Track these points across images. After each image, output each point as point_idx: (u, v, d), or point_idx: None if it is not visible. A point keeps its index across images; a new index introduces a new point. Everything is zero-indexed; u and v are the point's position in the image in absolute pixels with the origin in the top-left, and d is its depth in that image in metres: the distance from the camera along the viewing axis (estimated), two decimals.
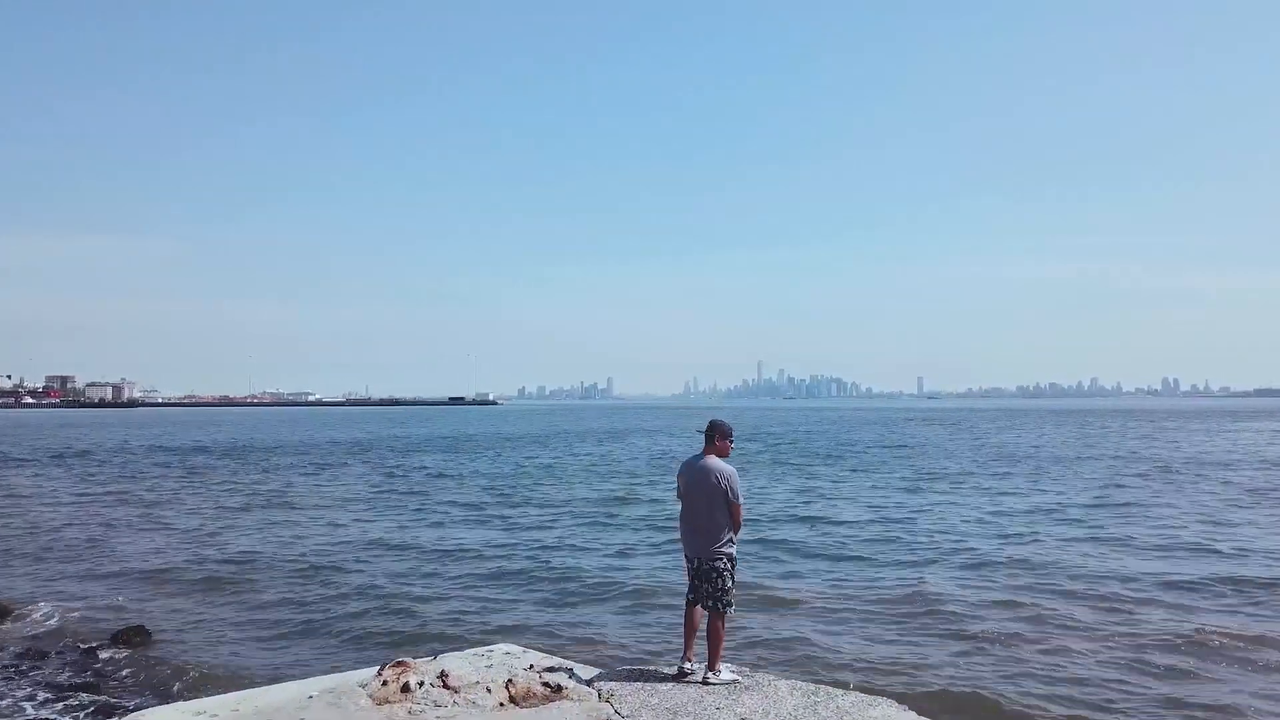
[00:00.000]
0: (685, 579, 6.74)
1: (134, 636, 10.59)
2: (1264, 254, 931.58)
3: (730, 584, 6.58)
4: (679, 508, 6.85)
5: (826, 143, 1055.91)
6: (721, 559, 6.55)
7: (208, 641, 10.56)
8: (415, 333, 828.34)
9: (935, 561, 14.62)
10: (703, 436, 6.82)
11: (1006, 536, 17.13)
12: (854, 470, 33.37)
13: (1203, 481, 27.54)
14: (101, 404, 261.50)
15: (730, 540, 6.60)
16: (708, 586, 6.53)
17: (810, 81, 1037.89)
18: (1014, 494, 24.56)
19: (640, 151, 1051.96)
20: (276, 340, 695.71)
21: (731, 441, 6.79)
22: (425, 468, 35.38)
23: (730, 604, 6.61)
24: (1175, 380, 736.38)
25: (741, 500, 6.58)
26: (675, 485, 7.03)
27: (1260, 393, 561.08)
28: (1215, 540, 16.46)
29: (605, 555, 15.70)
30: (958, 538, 16.95)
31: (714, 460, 6.63)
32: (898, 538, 17.07)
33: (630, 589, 12.81)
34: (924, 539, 16.84)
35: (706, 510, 6.57)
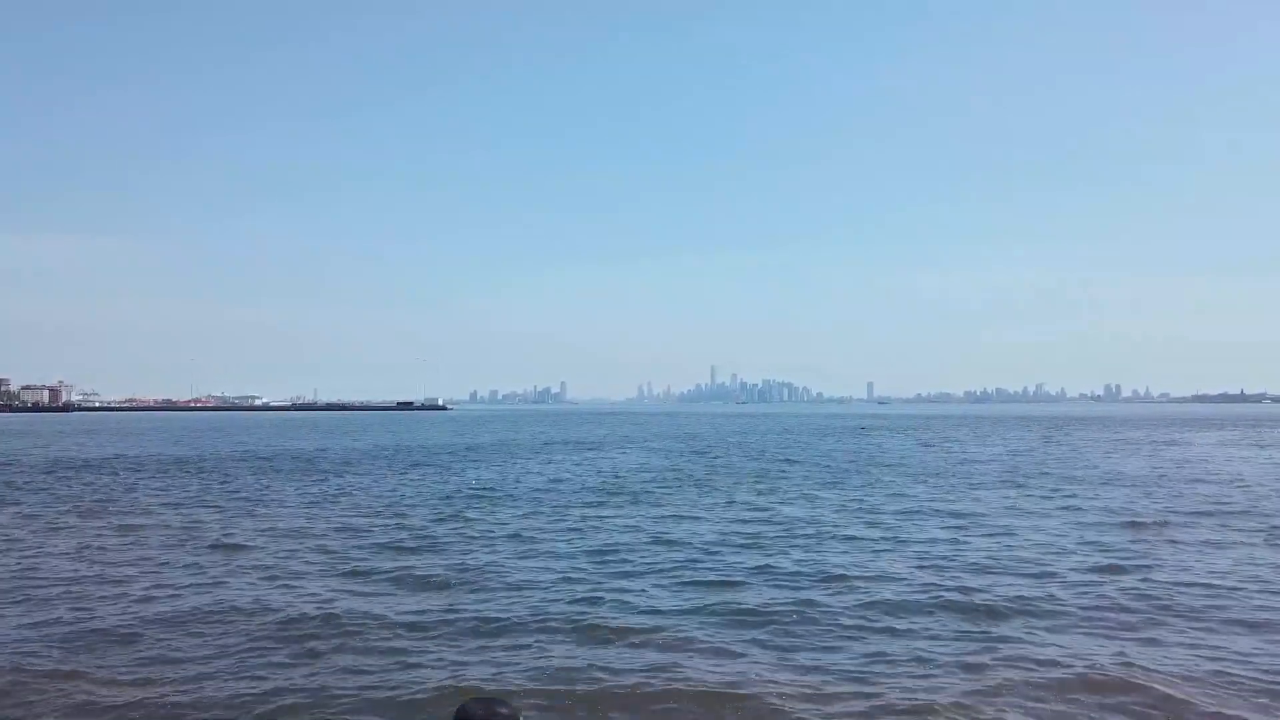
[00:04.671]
0: None
1: None
2: (1205, 262, 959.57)
3: None
4: None
5: (780, 152, 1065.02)
6: None
7: None
8: (366, 335, 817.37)
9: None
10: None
11: None
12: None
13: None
14: (36, 408, 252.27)
15: None
16: None
17: (764, 94, 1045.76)
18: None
19: (596, 156, 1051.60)
20: (223, 343, 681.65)
21: None
22: (309, 495, 30.26)
23: None
24: (1117, 386, 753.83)
25: None
26: None
27: (1198, 398, 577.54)
28: None
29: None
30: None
31: None
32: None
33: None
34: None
35: None
